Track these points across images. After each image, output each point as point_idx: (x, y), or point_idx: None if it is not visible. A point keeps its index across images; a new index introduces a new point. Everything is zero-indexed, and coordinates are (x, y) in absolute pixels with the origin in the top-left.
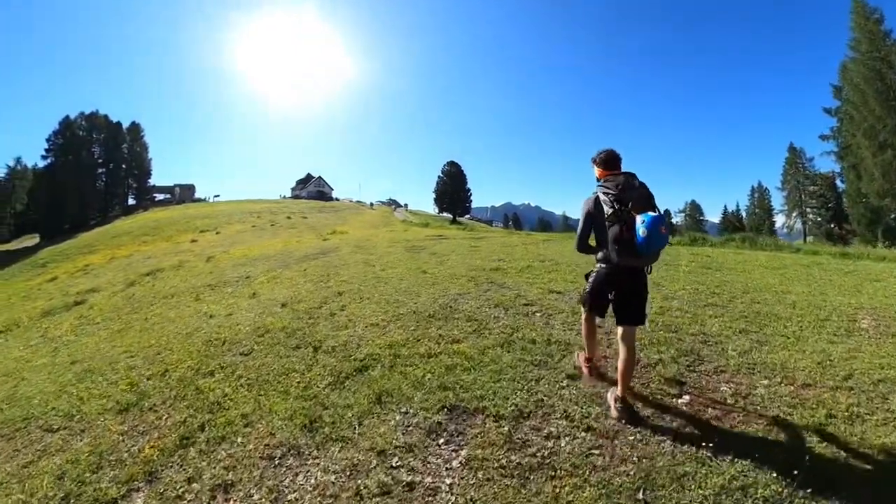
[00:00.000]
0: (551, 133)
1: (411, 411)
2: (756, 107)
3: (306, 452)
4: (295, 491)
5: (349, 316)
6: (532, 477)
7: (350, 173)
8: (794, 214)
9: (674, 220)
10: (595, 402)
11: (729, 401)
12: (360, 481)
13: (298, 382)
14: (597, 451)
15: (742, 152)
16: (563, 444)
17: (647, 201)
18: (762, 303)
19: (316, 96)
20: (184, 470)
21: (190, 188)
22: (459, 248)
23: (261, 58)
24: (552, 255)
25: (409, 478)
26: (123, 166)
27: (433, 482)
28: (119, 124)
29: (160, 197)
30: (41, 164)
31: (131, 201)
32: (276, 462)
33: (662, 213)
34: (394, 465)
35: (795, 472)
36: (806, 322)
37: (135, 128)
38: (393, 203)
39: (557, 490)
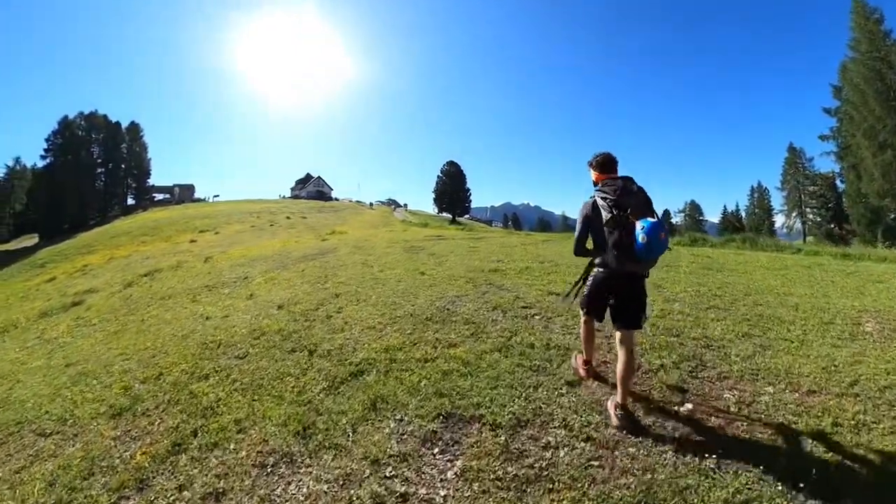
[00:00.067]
0: (551, 133)
1: (406, 418)
2: (756, 107)
3: (299, 460)
4: (287, 501)
5: (346, 318)
6: (529, 490)
7: (350, 173)
8: (793, 214)
9: (673, 220)
10: (595, 411)
11: (732, 409)
12: (352, 491)
13: (293, 387)
14: (596, 463)
15: (742, 152)
16: (561, 455)
17: (646, 206)
18: (764, 305)
19: (316, 96)
20: (175, 477)
21: (189, 188)
22: (458, 249)
23: (261, 57)
24: (551, 255)
25: (403, 489)
26: (123, 166)
27: (427, 494)
28: (118, 124)
29: (159, 197)
30: (40, 164)
31: (130, 201)
32: (269, 470)
33: (661, 218)
34: (387, 475)
35: (801, 486)
36: (809, 325)
37: (134, 128)
38: (392, 203)
39: None
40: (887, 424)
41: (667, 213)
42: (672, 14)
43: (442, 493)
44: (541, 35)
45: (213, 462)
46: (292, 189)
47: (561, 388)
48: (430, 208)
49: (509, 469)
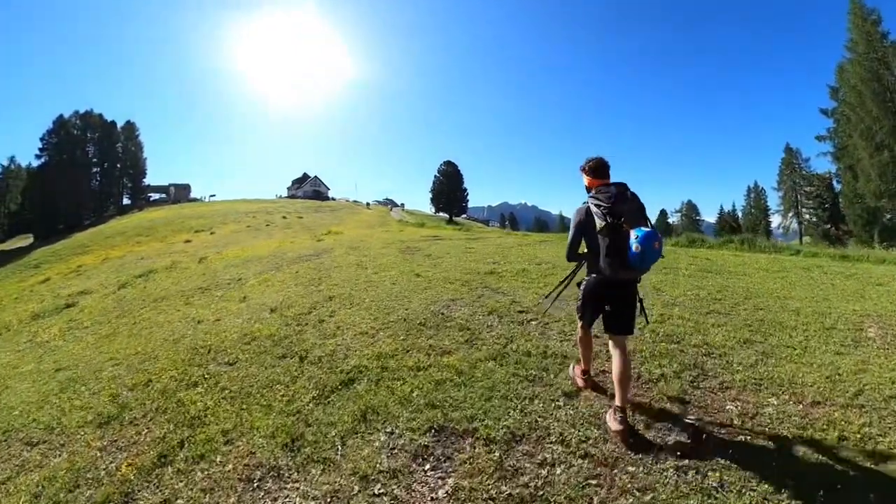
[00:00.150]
0: (550, 133)
1: (397, 431)
2: (753, 107)
3: (286, 475)
4: None
5: (338, 323)
6: None
7: (347, 173)
8: (790, 215)
9: (670, 220)
10: (593, 425)
11: (735, 421)
12: None
13: (282, 396)
14: (594, 482)
15: (738, 152)
16: (557, 473)
17: (639, 214)
18: (765, 309)
19: (315, 96)
20: (160, 491)
21: (185, 188)
22: (454, 250)
23: (260, 57)
24: (548, 257)
25: None
26: (118, 166)
27: None
28: (113, 123)
29: (155, 197)
30: (35, 163)
31: (126, 201)
32: (255, 485)
33: (654, 226)
34: (376, 492)
35: None
36: (812, 331)
37: (129, 127)
38: (389, 203)
39: None
40: (894, 438)
41: (663, 212)
42: (672, 14)
43: None
44: (541, 35)
45: (198, 476)
46: (289, 189)
47: (558, 400)
48: (428, 208)
49: (503, 488)
